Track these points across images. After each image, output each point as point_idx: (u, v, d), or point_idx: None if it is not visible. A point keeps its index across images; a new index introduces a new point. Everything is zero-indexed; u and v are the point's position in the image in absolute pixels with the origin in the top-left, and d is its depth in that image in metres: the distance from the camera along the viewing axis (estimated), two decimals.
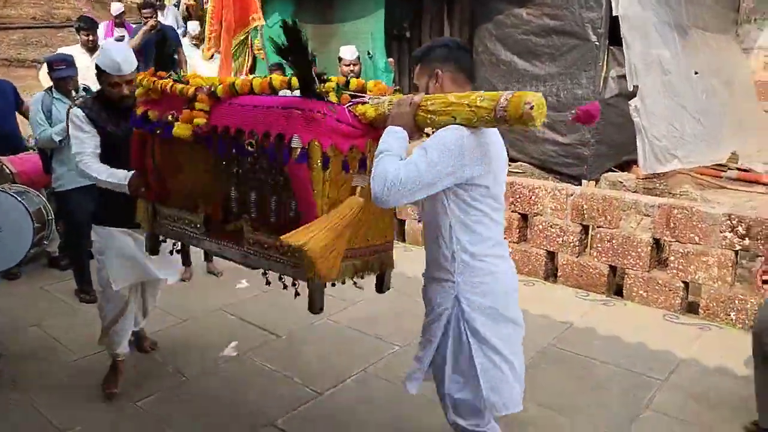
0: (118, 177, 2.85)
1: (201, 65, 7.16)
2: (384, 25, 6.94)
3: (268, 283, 2.45)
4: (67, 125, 3.20)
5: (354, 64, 5.24)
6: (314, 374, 3.45)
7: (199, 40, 7.28)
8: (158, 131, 2.59)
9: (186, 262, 4.95)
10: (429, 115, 1.93)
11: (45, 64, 5.90)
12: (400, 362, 3.55)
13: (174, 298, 4.27)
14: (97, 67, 2.95)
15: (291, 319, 4.01)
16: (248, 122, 2.19)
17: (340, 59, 5.32)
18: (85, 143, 2.96)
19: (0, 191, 3.82)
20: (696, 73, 5.40)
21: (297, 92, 2.20)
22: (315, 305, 2.13)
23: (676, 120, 5.44)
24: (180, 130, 2.43)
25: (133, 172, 2.83)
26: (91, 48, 5.74)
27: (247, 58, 9.64)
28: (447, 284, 2.04)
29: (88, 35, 5.74)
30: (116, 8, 7.60)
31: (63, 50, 6.02)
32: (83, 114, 2.95)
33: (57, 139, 4.15)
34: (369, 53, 7.15)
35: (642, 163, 5.33)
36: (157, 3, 8.67)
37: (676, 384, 3.37)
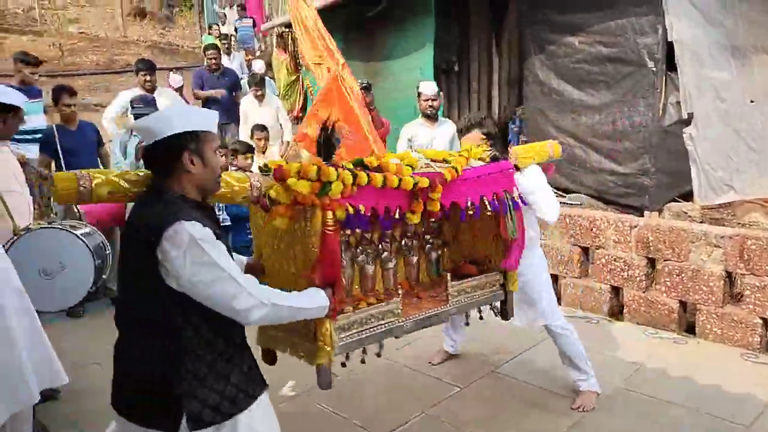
0: (310, 300, 2.02)
1: (254, 111, 7.24)
2: (433, 60, 6.95)
3: (467, 323, 2.98)
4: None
5: (433, 99, 5.29)
6: (373, 416, 3.35)
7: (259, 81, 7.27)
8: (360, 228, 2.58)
9: None
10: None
11: (108, 109, 6.15)
12: (460, 405, 3.42)
13: None
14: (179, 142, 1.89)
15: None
16: (468, 193, 2.63)
17: (419, 94, 5.37)
18: (234, 268, 1.84)
19: (62, 230, 3.91)
20: (752, 101, 5.17)
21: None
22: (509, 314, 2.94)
23: (732, 149, 5.21)
24: (411, 218, 2.46)
25: (323, 290, 2.07)
26: (149, 89, 5.95)
27: (298, 97, 9.86)
28: None
29: (146, 76, 5.95)
30: (177, 80, 7.58)
31: (124, 93, 6.29)
32: (202, 227, 1.78)
33: None
34: (418, 87, 7.16)
35: (697, 193, 5.11)
36: (225, 44, 8.88)
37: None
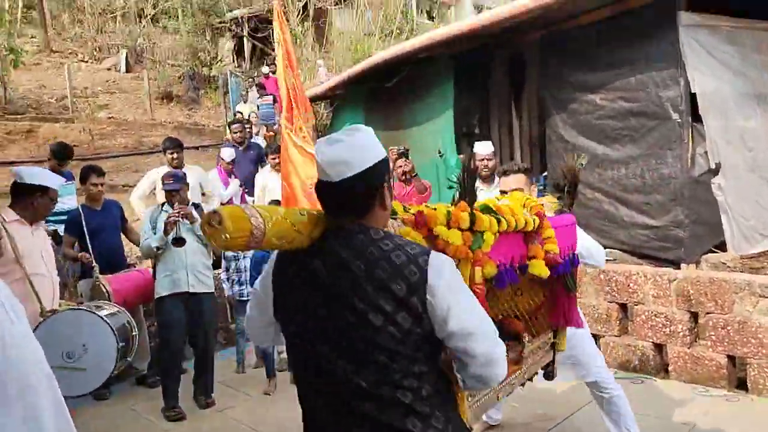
0: None
1: (273, 182, 7.22)
2: (453, 123, 7.03)
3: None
4: None
5: (489, 159, 5.14)
6: None
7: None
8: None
9: (270, 373, 4.85)
10: None
11: (136, 188, 6.25)
12: None
13: (260, 411, 4.12)
14: None
15: None
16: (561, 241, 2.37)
17: (474, 154, 5.26)
18: None
19: (86, 311, 3.88)
20: None
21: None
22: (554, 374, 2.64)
23: (762, 197, 5.09)
24: (539, 267, 2.15)
25: None
26: (176, 166, 6.04)
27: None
28: None
29: (173, 153, 6.06)
30: (228, 154, 7.21)
31: (152, 171, 6.40)
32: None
33: (154, 245, 4.30)
34: (440, 152, 7.22)
35: (730, 243, 4.97)
36: (245, 120, 9.01)
37: None
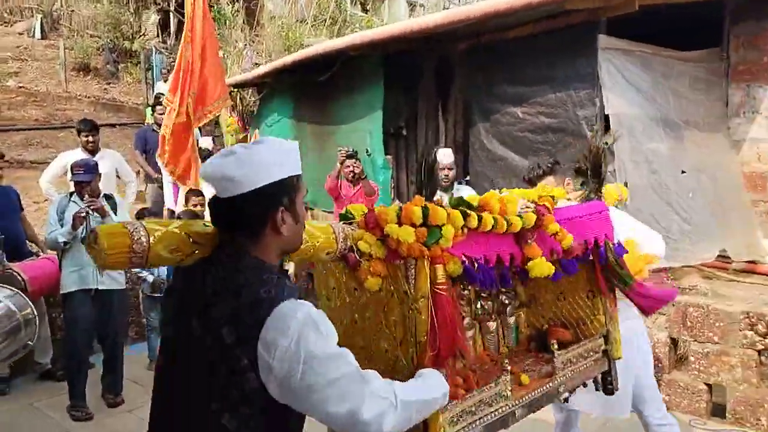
0: (431, 387, 1.56)
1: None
2: (382, 124, 7.08)
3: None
4: None
5: (450, 168, 5.17)
6: None
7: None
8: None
9: None
10: None
11: (47, 170, 5.92)
12: None
13: None
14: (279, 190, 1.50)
15: None
16: (580, 233, 2.16)
17: (435, 161, 5.25)
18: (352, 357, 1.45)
19: None
20: (683, 172, 5.46)
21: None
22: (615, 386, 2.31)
23: (663, 218, 5.46)
24: (540, 267, 1.93)
25: (440, 372, 1.62)
26: (91, 150, 5.78)
27: None
28: None
29: (87, 136, 5.79)
30: (207, 143, 7.00)
31: (65, 154, 6.10)
32: (312, 306, 1.41)
33: (61, 240, 4.12)
34: (367, 151, 7.26)
35: None
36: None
37: None
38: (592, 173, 2.40)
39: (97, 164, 4.45)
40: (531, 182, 2.90)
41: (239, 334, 1.32)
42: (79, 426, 4.16)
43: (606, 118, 5.33)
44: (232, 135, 10.05)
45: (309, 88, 8.16)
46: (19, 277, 4.48)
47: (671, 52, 5.68)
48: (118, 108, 13.43)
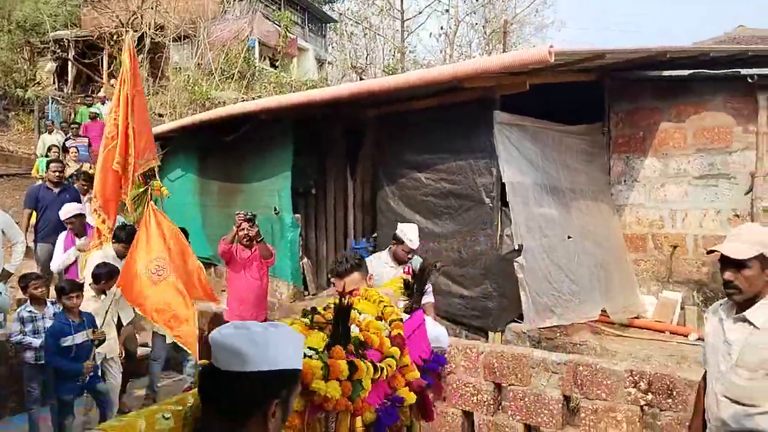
0: None
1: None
2: (291, 184, 7.18)
3: None
4: None
5: (414, 251, 4.76)
6: None
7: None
8: None
9: None
10: None
11: None
12: None
13: None
14: None
15: None
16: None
17: (400, 241, 4.72)
18: None
19: None
20: (569, 237, 5.94)
21: None
22: None
23: (554, 279, 5.87)
24: (409, 397, 2.10)
25: None
26: None
27: (146, 207, 9.52)
28: None
29: None
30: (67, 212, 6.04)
31: None
32: None
33: None
34: (275, 209, 7.32)
35: (526, 317, 5.64)
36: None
37: None
38: (418, 288, 2.68)
39: None
40: (339, 275, 2.98)
41: None
42: None
43: (503, 185, 5.73)
44: (135, 188, 9.73)
45: (216, 146, 8.16)
46: None
47: (560, 126, 6.24)
48: (6, 158, 12.72)
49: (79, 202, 7.57)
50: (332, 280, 3.20)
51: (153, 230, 4.78)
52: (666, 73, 6.25)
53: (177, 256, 4.72)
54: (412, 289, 2.72)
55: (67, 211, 5.82)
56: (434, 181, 6.19)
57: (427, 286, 3.89)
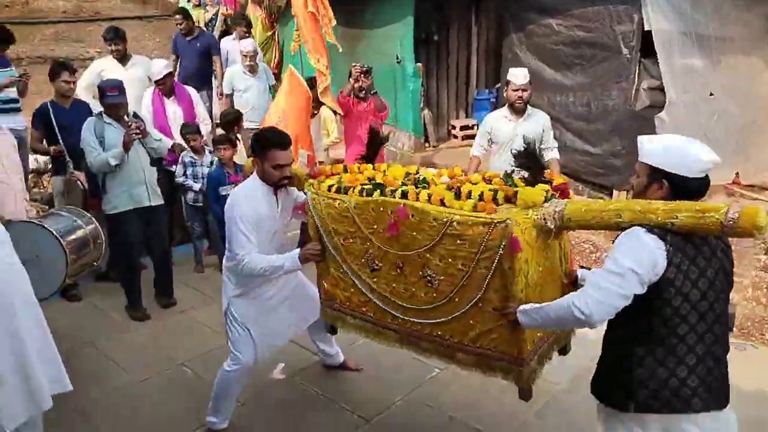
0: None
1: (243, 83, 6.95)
2: (413, 30, 6.99)
3: None
4: None
5: (524, 90, 4.59)
6: (360, 400, 3.61)
7: (251, 59, 6.69)
8: None
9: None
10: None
11: (80, 80, 5.98)
12: (441, 387, 3.70)
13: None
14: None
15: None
16: None
17: (508, 82, 4.67)
18: None
19: (38, 225, 3.92)
20: (711, 94, 5.39)
21: None
22: None
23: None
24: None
25: None
26: (119, 58, 5.91)
27: (274, 52, 9.74)
28: None
29: (111, 45, 5.91)
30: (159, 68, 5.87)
31: (97, 62, 6.21)
32: None
33: (113, 163, 4.33)
34: (398, 58, 7.23)
35: None
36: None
37: None
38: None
39: (123, 88, 4.48)
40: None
41: None
42: (138, 325, 4.61)
43: (643, 34, 5.24)
44: (261, 30, 9.88)
45: None
46: (80, 186, 4.81)
47: None
48: (146, 0, 13.15)
49: (215, 47, 7.80)
50: None
51: (284, 86, 5.57)
52: None
53: (292, 111, 5.48)
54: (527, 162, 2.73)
55: (159, 71, 5.68)
56: (567, 28, 5.77)
57: (553, 143, 4.27)
